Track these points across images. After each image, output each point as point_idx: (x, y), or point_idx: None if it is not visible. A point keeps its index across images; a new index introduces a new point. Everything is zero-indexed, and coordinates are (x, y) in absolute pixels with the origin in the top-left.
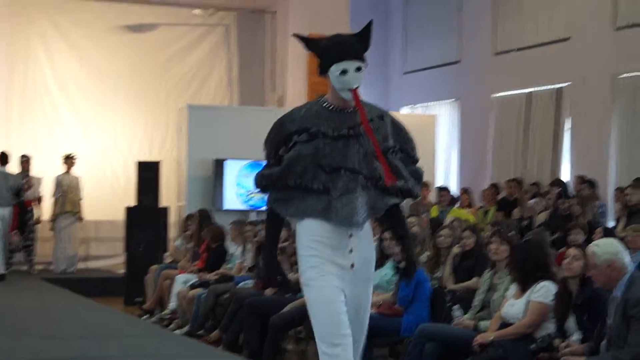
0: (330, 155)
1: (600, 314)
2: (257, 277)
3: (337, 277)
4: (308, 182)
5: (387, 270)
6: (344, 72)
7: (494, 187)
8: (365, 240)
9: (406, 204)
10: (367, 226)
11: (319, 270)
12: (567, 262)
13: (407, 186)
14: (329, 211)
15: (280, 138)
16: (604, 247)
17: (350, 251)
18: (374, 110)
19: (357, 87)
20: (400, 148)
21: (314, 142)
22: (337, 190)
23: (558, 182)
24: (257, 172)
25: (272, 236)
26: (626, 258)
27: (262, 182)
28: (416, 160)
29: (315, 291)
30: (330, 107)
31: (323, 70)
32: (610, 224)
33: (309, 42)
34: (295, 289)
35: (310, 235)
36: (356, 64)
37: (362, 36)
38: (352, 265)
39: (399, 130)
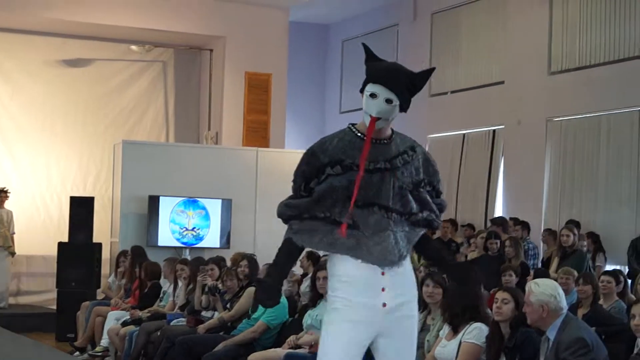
0: (364, 189)
1: (532, 357)
2: (189, 314)
3: (362, 323)
4: (337, 216)
5: (319, 310)
6: (373, 95)
7: None
8: (402, 277)
9: None
10: (407, 263)
11: (341, 316)
12: (497, 306)
13: (431, 217)
14: (359, 249)
15: (312, 170)
16: (542, 287)
17: (383, 289)
18: (406, 142)
19: (378, 118)
20: (429, 181)
21: (347, 175)
22: (369, 228)
23: (499, 221)
24: (282, 200)
25: (282, 265)
26: (562, 302)
27: (287, 212)
28: (440, 193)
29: (330, 339)
30: (364, 137)
31: (362, 88)
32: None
33: (368, 56)
34: (227, 327)
35: (339, 275)
36: (388, 94)
37: (416, 76)
38: (384, 305)
39: (428, 163)
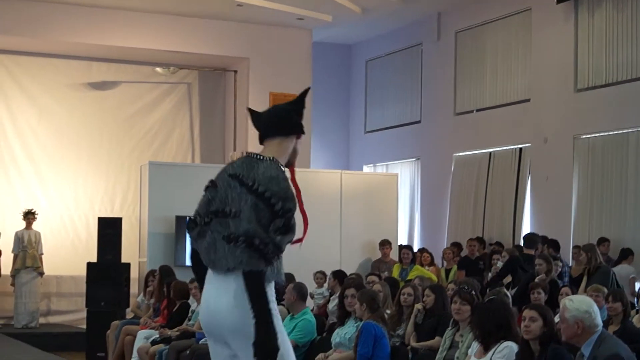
0: None
1: None
2: None
3: None
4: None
5: (349, 328)
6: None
7: (455, 246)
8: None
9: (368, 261)
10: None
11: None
12: (525, 324)
13: None
14: (279, 273)
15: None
16: (577, 304)
17: None
18: None
19: None
20: None
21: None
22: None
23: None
24: (271, 236)
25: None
26: (597, 318)
27: (282, 248)
28: None
29: (287, 342)
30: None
31: (301, 131)
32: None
33: (302, 99)
34: None
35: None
36: None
37: None
38: None
39: None
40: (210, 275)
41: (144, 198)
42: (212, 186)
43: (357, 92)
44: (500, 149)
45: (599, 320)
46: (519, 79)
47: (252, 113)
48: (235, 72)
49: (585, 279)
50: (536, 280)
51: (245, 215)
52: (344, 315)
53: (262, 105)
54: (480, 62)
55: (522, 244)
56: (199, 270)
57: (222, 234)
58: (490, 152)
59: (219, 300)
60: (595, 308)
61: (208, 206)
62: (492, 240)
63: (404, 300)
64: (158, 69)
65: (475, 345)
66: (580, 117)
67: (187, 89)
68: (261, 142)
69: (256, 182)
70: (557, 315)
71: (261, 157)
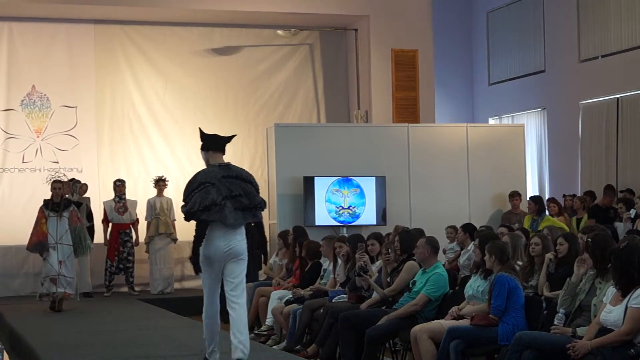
0: None
1: None
2: (350, 291)
3: None
4: None
5: (480, 281)
6: None
7: (588, 195)
8: None
9: (498, 213)
10: None
11: None
12: None
13: None
14: None
15: None
16: None
17: None
18: None
19: None
20: None
21: None
22: None
23: None
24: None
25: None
26: None
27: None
28: None
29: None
30: None
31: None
32: None
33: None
34: (389, 301)
35: None
36: None
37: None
38: None
39: None
40: (220, 229)
41: (271, 160)
42: (210, 184)
43: (479, 44)
44: (629, 94)
45: None
46: None
47: (201, 132)
48: (356, 30)
49: None
50: None
51: (253, 193)
52: (474, 266)
53: (384, 62)
54: (604, 6)
55: None
56: (205, 231)
57: (239, 206)
58: (617, 98)
59: (238, 239)
60: None
61: (217, 195)
62: (624, 188)
63: (532, 250)
64: (279, 32)
65: (610, 293)
66: None
67: (309, 50)
68: (207, 150)
69: (244, 175)
70: None
71: (228, 163)
